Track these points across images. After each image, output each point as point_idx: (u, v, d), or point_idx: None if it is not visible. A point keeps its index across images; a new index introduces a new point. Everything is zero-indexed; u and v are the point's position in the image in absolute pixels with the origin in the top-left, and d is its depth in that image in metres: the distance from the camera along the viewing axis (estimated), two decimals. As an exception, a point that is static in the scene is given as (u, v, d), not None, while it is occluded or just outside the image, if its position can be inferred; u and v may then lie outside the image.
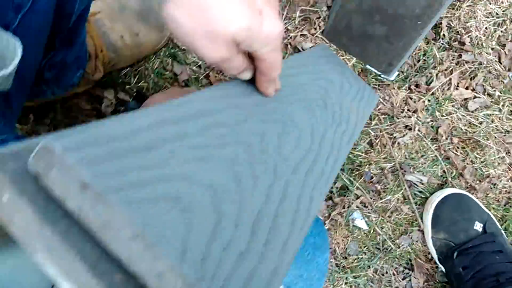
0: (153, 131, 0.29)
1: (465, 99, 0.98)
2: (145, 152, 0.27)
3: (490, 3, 0.95)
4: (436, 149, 0.98)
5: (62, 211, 0.24)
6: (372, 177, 0.98)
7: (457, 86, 0.97)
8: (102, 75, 0.89)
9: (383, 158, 0.97)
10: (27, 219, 0.23)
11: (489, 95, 0.97)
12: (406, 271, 1.02)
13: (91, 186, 0.22)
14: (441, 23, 0.96)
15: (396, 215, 0.98)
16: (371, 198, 0.98)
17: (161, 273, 0.22)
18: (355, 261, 1.01)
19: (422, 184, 0.98)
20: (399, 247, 1.00)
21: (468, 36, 0.96)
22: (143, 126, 0.29)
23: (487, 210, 0.94)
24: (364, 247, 1.00)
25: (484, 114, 0.97)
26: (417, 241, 1.00)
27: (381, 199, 0.98)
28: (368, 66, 0.97)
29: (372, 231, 0.99)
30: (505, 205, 0.98)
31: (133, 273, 0.23)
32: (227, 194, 0.29)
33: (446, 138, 0.98)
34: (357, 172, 0.98)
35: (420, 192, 0.98)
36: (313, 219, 0.37)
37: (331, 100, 0.57)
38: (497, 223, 0.95)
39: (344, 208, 0.97)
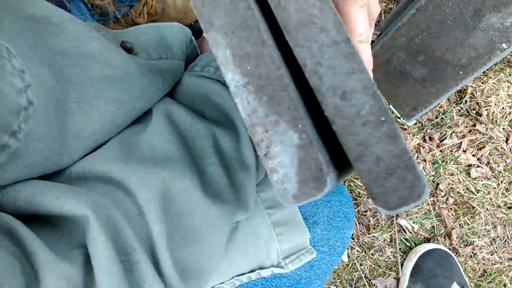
0: None
1: (469, 165, 1.01)
2: None
3: (512, 87, 1.03)
4: (431, 204, 1.00)
5: (257, 2, 0.22)
6: (367, 210, 0.98)
7: (465, 151, 1.01)
8: (143, 22, 0.87)
9: (382, 196, 0.98)
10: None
11: (491, 168, 1.02)
12: (369, 317, 0.99)
13: None
14: (466, 90, 1.02)
15: (379, 255, 0.97)
16: (360, 231, 0.97)
17: (350, 92, 0.20)
18: (325, 291, 0.98)
19: (411, 233, 0.99)
20: (371, 289, 0.98)
21: (486, 110, 1.02)
22: None
23: (465, 277, 0.95)
24: (338, 279, 0.98)
25: (483, 184, 1.00)
26: (389, 288, 0.99)
27: (369, 234, 0.97)
28: (391, 106, 1.00)
29: (351, 265, 0.98)
30: (479, 277, 0.99)
31: (313, 86, 0.21)
32: None
33: (443, 196, 1.00)
34: (354, 202, 0.97)
35: (406, 240, 0.98)
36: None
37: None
38: (470, 292, 0.95)
39: (331, 233, 0.95)
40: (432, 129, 1.01)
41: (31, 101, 0.22)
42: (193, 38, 0.44)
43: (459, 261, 0.97)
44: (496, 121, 1.02)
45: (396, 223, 0.98)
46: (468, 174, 1.01)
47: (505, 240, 1.02)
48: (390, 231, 0.98)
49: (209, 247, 0.32)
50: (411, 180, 0.20)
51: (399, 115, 1.00)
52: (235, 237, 0.40)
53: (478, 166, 1.01)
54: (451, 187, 1.01)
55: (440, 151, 1.01)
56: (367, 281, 0.97)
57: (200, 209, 0.31)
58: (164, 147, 0.31)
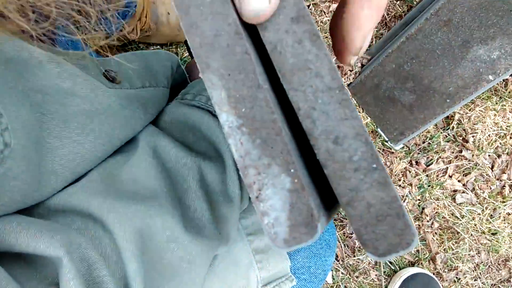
0: None
1: (455, 190, 1.03)
2: None
3: (499, 116, 1.05)
4: (417, 228, 1.00)
5: (253, 44, 0.22)
6: (352, 232, 0.98)
7: (451, 176, 1.03)
8: (135, 38, 0.87)
9: (368, 219, 0.98)
10: (219, 26, 0.21)
11: (476, 194, 1.03)
12: None
13: (306, 21, 0.20)
14: (453, 116, 1.03)
15: (363, 277, 0.97)
16: (345, 253, 0.97)
17: (342, 137, 0.20)
18: (309, 313, 0.97)
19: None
20: (355, 312, 0.98)
21: (473, 136, 1.03)
22: None
23: (447, 301, 0.96)
24: (322, 301, 0.97)
25: (467, 210, 1.02)
26: (373, 312, 0.98)
27: (354, 256, 0.97)
28: (379, 130, 1.01)
29: (335, 287, 0.97)
30: (463, 302, 1.00)
31: (306, 129, 0.21)
32: None
33: (428, 221, 1.01)
34: (340, 224, 0.98)
35: (391, 263, 0.99)
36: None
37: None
38: (453, 317, 0.96)
39: (317, 254, 0.95)
40: (419, 153, 1.02)
41: (8, 143, 0.22)
42: (181, 62, 0.44)
43: (443, 285, 0.97)
44: (482, 148, 1.04)
45: (382, 246, 0.98)
46: (454, 199, 1.02)
47: (489, 266, 1.03)
48: (376, 254, 0.98)
49: (187, 283, 0.32)
50: (401, 228, 0.20)
51: (386, 139, 1.01)
52: (215, 263, 0.40)
53: (463, 192, 1.03)
54: (436, 212, 1.02)
55: (426, 175, 1.02)
56: (351, 304, 0.97)
57: (180, 245, 0.30)
58: (147, 181, 0.31)
